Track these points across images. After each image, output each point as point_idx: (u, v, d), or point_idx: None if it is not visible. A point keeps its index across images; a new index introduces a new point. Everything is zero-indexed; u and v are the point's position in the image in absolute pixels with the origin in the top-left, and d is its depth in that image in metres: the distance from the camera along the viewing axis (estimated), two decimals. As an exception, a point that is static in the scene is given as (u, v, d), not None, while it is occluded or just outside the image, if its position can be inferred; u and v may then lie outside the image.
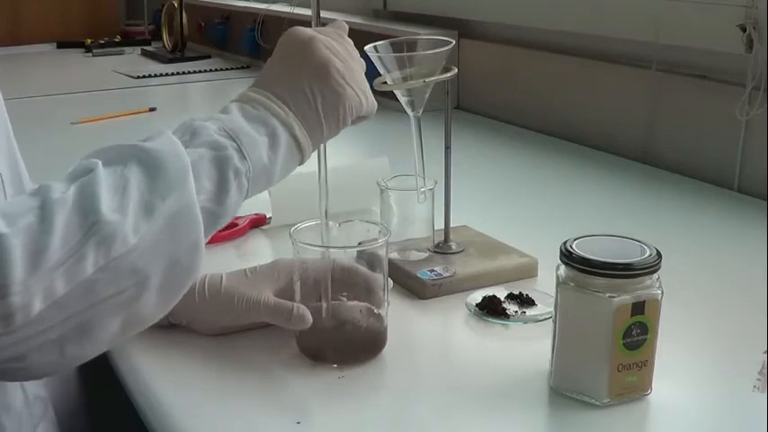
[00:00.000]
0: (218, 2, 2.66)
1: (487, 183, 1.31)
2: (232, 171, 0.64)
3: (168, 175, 0.61)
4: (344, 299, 0.76)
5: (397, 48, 0.83)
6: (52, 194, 0.58)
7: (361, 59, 0.75)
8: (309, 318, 0.74)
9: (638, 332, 0.65)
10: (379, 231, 0.76)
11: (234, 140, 0.65)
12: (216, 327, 0.78)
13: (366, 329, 0.75)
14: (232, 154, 0.64)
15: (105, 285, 0.58)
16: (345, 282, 0.76)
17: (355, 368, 0.73)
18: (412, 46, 0.84)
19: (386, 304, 0.76)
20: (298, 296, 0.76)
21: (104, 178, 0.60)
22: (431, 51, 0.83)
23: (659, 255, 0.66)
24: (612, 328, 0.65)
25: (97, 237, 0.57)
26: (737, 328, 0.80)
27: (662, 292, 0.66)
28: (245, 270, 0.80)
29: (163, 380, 0.73)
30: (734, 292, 0.89)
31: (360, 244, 0.76)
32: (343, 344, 0.75)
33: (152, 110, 1.81)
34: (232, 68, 2.38)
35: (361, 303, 0.76)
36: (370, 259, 0.75)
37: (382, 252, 0.75)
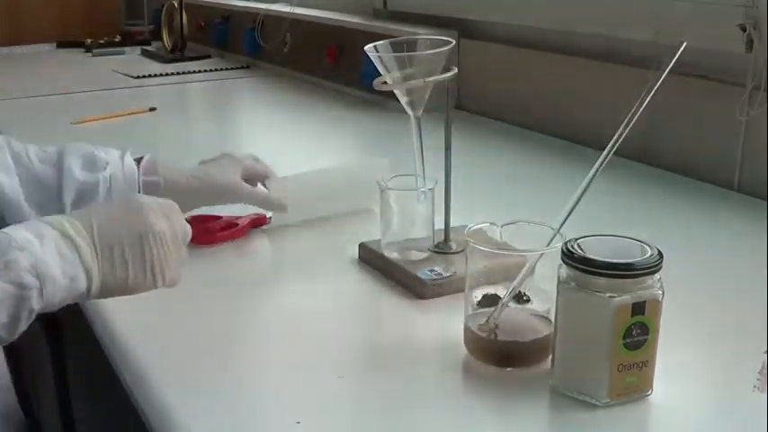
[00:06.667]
0: (218, 2, 2.66)
1: (487, 183, 1.30)
2: (27, 311, 0.66)
3: None
4: (525, 296, 0.75)
5: (397, 48, 0.83)
6: None
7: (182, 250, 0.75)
8: (286, 205, 0.79)
9: (638, 332, 0.65)
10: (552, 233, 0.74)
11: (39, 282, 0.66)
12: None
13: (543, 337, 0.73)
14: (32, 295, 0.66)
15: None
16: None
17: (353, 368, 0.73)
18: (412, 46, 0.84)
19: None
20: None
21: None
22: (431, 51, 0.83)
23: (660, 255, 0.66)
24: (613, 329, 0.65)
25: None
26: (737, 329, 0.80)
27: (663, 293, 0.66)
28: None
29: (163, 379, 0.73)
30: (734, 293, 0.89)
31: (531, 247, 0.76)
32: (519, 350, 0.73)
33: (152, 110, 1.81)
34: (232, 68, 2.38)
35: (536, 310, 0.75)
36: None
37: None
